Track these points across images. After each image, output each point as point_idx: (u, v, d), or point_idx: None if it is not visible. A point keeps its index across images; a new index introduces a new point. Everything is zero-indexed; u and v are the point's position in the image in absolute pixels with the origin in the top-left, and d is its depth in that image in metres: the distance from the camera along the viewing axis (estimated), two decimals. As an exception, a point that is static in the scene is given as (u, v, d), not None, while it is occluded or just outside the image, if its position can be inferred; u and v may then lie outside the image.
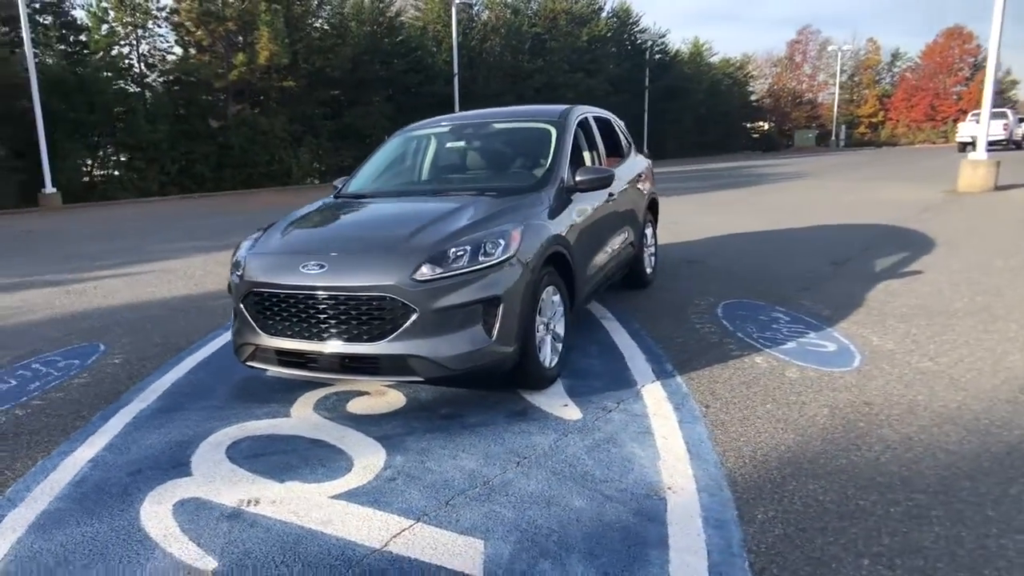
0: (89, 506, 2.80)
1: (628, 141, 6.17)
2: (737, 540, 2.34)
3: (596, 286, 4.75)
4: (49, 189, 22.04)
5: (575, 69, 44.51)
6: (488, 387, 3.80)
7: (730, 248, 8.31)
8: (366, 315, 3.26)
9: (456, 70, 36.18)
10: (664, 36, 53.88)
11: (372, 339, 3.27)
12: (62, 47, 26.01)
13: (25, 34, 21.33)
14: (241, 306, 3.61)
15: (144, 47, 28.84)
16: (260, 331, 3.53)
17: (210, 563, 2.36)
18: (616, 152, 5.90)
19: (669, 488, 2.71)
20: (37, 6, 27.12)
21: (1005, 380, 3.67)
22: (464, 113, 5.67)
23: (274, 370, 3.64)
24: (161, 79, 29.31)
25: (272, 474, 2.99)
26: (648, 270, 6.22)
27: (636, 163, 5.95)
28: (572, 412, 3.52)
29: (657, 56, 52.36)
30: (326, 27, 33.45)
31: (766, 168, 29.06)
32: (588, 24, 46.70)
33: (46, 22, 27.45)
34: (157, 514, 2.71)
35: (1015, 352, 4.11)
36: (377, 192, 4.63)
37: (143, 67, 28.80)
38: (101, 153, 26.41)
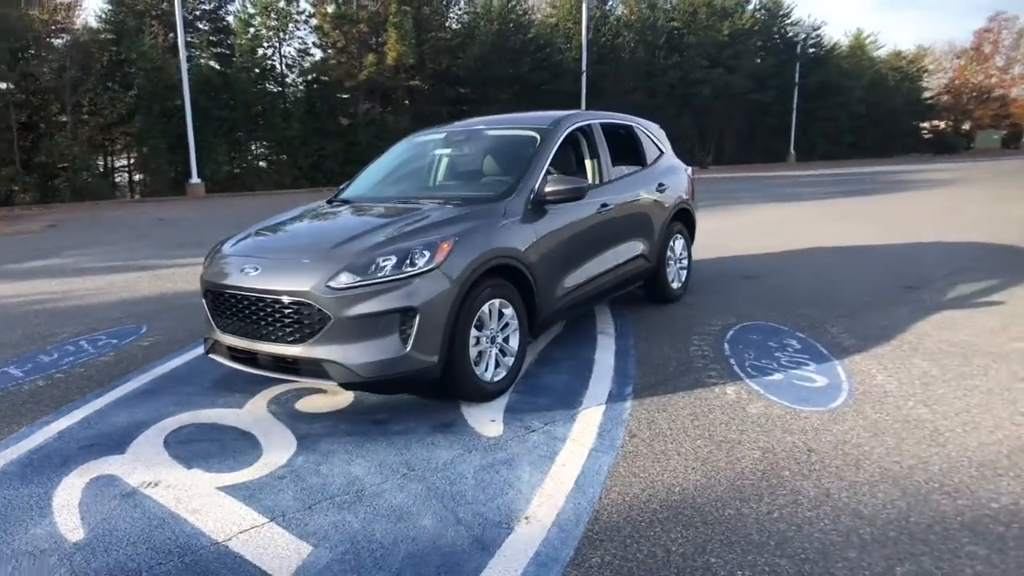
0: (27, 472, 3.21)
1: (660, 149, 5.97)
2: (551, 582, 2.28)
3: (579, 301, 4.67)
4: (195, 180, 24.69)
5: (714, 64, 42.97)
6: (440, 397, 3.86)
7: (804, 263, 7.74)
8: (288, 318, 3.46)
9: (584, 67, 36.19)
10: (819, 28, 50.53)
11: (294, 342, 3.47)
12: (215, 50, 28.95)
13: (180, 39, 24.01)
14: (203, 302, 3.95)
15: (286, 49, 31.42)
16: (215, 327, 3.85)
17: (78, 535, 2.65)
18: (633, 161, 5.74)
19: (525, 518, 2.67)
20: (197, 13, 30.47)
21: (998, 440, 3.21)
22: (469, 119, 5.77)
23: (228, 364, 3.94)
24: (300, 79, 31.81)
25: (186, 460, 3.27)
26: (675, 285, 5.99)
27: (656, 172, 5.75)
28: (494, 429, 3.53)
29: (810, 50, 49.17)
30: (455, 27, 34.69)
31: (917, 174, 26.51)
32: (731, 17, 44.85)
33: (203, 27, 30.78)
34: (71, 486, 3.06)
35: (1041, 408, 3.57)
36: (360, 198, 4.83)
37: (284, 68, 31.39)
38: (242, 147, 29.13)
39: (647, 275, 5.67)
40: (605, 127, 5.38)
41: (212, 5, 31.12)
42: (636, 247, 5.35)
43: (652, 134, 5.97)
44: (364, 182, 5.13)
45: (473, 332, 3.70)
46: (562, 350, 4.77)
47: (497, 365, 3.94)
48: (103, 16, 27.70)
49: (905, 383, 3.95)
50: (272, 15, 29.92)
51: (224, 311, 3.74)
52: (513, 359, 4.02)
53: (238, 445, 3.43)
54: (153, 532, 2.66)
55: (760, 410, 3.63)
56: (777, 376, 4.12)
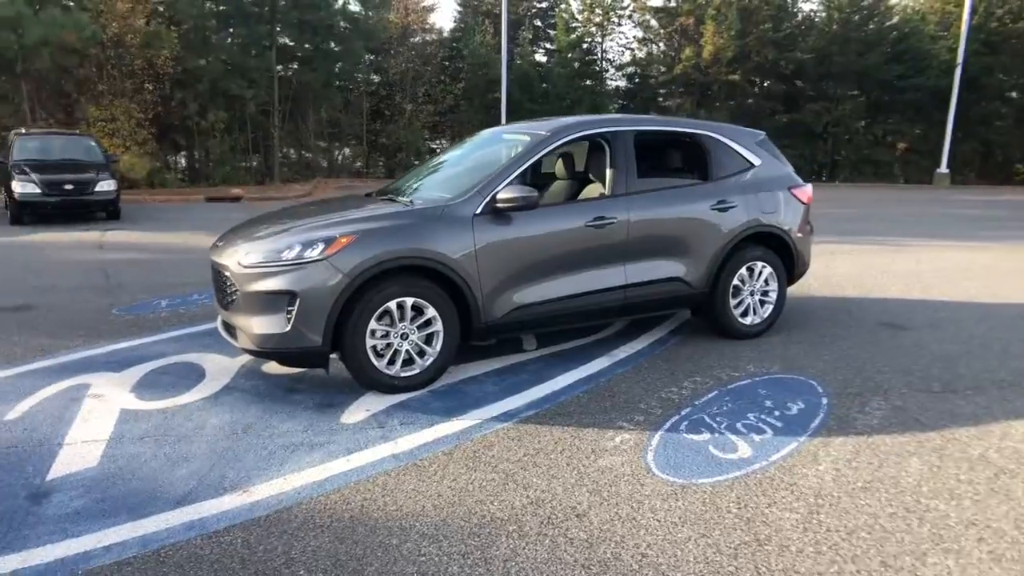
0: (57, 372, 4.52)
1: (748, 162, 5.29)
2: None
3: (555, 315, 4.56)
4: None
5: None
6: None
7: (994, 323, 5.93)
8: (228, 288, 4.19)
9: (961, 58, 30.77)
10: None
11: (227, 308, 4.22)
12: (540, 47, 31.71)
13: (503, 37, 26.91)
14: None
15: (608, 44, 32.90)
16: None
17: (17, 413, 3.77)
18: (691, 174, 5.21)
19: (244, 491, 3.00)
20: (533, 11, 33.65)
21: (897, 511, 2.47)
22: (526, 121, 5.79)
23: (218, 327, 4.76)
24: (618, 73, 33.07)
25: (138, 386, 4.26)
26: (748, 320, 5.29)
27: (722, 188, 5.09)
28: (354, 417, 3.83)
29: None
30: (795, 15, 32.37)
31: None
32: None
33: (538, 24, 33.87)
34: (58, 386, 4.25)
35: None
36: (383, 192, 5.33)
37: (604, 63, 32.93)
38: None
39: (692, 302, 5.16)
40: (647, 136, 5.02)
41: (546, 4, 34.04)
42: (668, 268, 4.92)
43: (737, 146, 5.32)
44: (406, 177, 5.57)
45: (374, 324, 4.01)
46: (543, 364, 4.72)
47: (412, 362, 4.17)
48: (455, 17, 32.42)
49: (854, 467, 3.12)
50: (597, 11, 31.55)
51: (214, 282, 4.61)
52: (433, 359, 4.20)
53: (183, 383, 4.31)
54: (54, 425, 3.64)
55: (624, 465, 3.27)
56: (722, 436, 3.58)
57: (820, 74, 31.89)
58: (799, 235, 5.46)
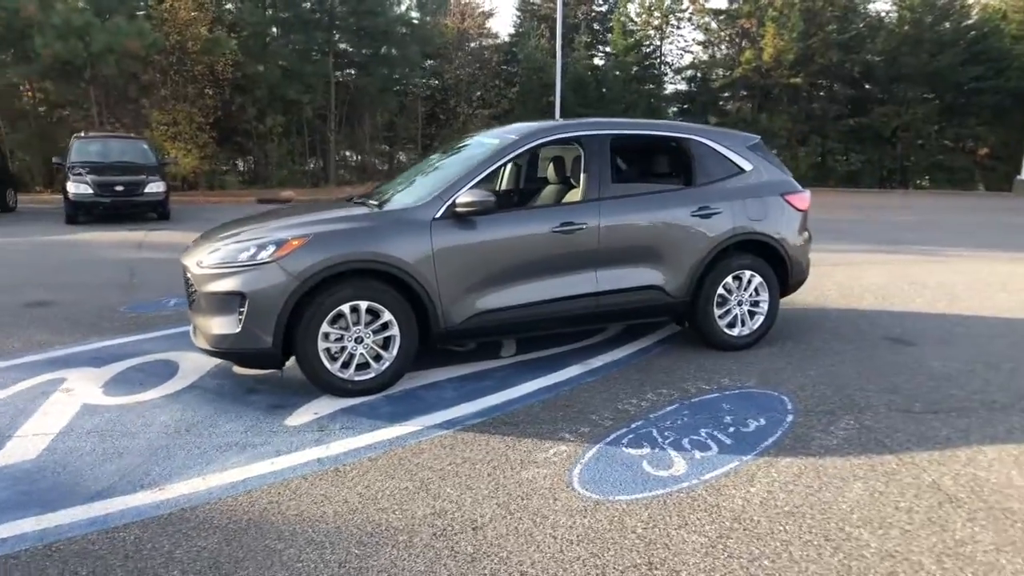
0: (18, 372, 4.72)
1: (738, 167, 5.08)
2: None
3: (520, 322, 4.49)
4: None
5: None
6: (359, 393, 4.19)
7: (1015, 339, 5.53)
8: (191, 288, 4.30)
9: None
10: None
11: (190, 307, 4.32)
12: (597, 51, 31.49)
13: (558, 41, 26.80)
14: None
15: (667, 47, 32.41)
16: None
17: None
18: (674, 179, 5.04)
19: (159, 488, 3.06)
20: (592, 15, 33.47)
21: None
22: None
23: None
24: (677, 76, 32.51)
25: (110, 383, 4.41)
26: (735, 331, 5.07)
27: (706, 193, 4.90)
28: (298, 420, 3.86)
29: None
30: (863, 16, 31.12)
31: None
32: None
33: (596, 28, 33.67)
34: (39, 379, 4.45)
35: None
36: (367, 195, 5.33)
37: (662, 66, 32.42)
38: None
39: (673, 311, 4.99)
40: (625, 140, 4.89)
41: (605, 7, 33.79)
42: (644, 276, 4.77)
43: (725, 150, 5.11)
44: (395, 181, 5.55)
45: (327, 327, 4.03)
46: (512, 371, 4.65)
47: (368, 366, 4.18)
48: (514, 23, 32.55)
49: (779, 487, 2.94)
50: (655, 13, 31.12)
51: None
52: (388, 363, 4.19)
53: (151, 380, 4.44)
54: (14, 417, 3.81)
55: (545, 479, 3.19)
56: (661, 452, 3.44)
57: (890, 76, 30.60)
58: (793, 243, 5.22)
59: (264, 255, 3.95)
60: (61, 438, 3.57)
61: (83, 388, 4.28)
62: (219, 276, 4.00)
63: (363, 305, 4.08)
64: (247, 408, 4.01)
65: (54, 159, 14.09)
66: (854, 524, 2.78)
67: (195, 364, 4.75)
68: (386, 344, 4.19)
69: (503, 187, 6.18)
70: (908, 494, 3.03)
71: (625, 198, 4.74)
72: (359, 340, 4.12)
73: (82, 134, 15.24)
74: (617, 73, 30.24)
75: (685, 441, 3.58)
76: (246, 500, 2.97)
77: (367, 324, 4.12)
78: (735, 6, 30.90)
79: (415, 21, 26.85)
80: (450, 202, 4.26)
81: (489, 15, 31.79)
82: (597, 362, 4.87)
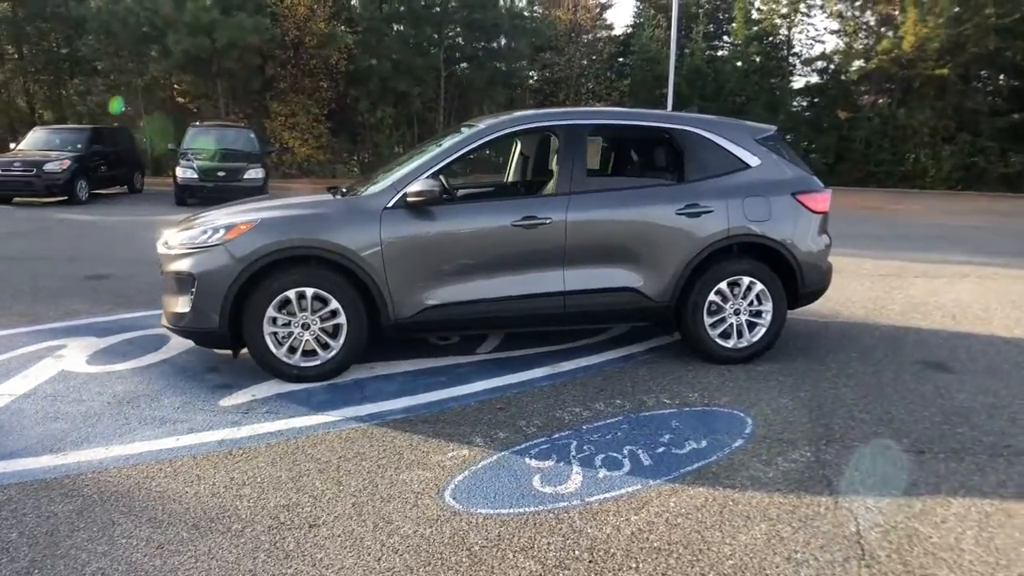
0: (29, 337, 5.14)
1: (742, 162, 4.64)
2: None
3: (475, 318, 4.36)
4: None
5: None
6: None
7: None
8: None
9: None
10: None
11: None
12: (717, 42, 30.13)
13: (673, 31, 25.90)
14: None
15: (796, 36, 30.44)
16: None
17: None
18: (662, 173, 4.67)
19: (62, 452, 3.23)
20: (716, 2, 32.08)
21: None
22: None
23: None
24: (806, 68, 30.46)
25: (101, 353, 4.73)
26: (729, 342, 4.65)
27: (696, 190, 4.49)
28: (232, 401, 3.95)
29: None
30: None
31: None
32: None
33: (721, 17, 32.23)
34: (46, 347, 4.85)
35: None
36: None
37: (790, 57, 30.50)
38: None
39: (652, 316, 4.66)
40: (608, 130, 4.60)
41: (731, -4, 32.22)
42: (619, 277, 4.47)
43: (728, 143, 4.67)
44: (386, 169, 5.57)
45: (273, 312, 4.09)
46: (473, 369, 4.53)
47: (315, 353, 4.21)
48: (634, 14, 31.83)
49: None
50: (783, 0, 29.28)
51: None
52: (335, 352, 4.20)
53: (135, 352, 4.72)
54: (3, 373, 4.18)
55: (419, 483, 3.07)
56: (591, 471, 3.23)
57: (1060, 66, 27.03)
58: (805, 249, 4.70)
59: (214, 238, 4.06)
60: (21, 399, 3.86)
61: (72, 356, 4.61)
62: (177, 257, 4.16)
63: (309, 292, 4.10)
64: (196, 385, 4.16)
65: (169, 144, 15.33)
66: (722, 572, 2.45)
67: (181, 340, 4.97)
68: (335, 333, 4.20)
69: (510, 178, 6.02)
70: (813, 544, 2.63)
71: (600, 192, 4.47)
72: (305, 327, 4.15)
73: (197, 123, 16.50)
74: (738, 64, 28.72)
75: (600, 458, 3.32)
76: (126, 473, 3.07)
77: (315, 311, 4.14)
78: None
79: (525, 13, 26.86)
80: (402, 192, 4.19)
81: (606, 6, 31.09)
82: (568, 365, 4.64)
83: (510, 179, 6.01)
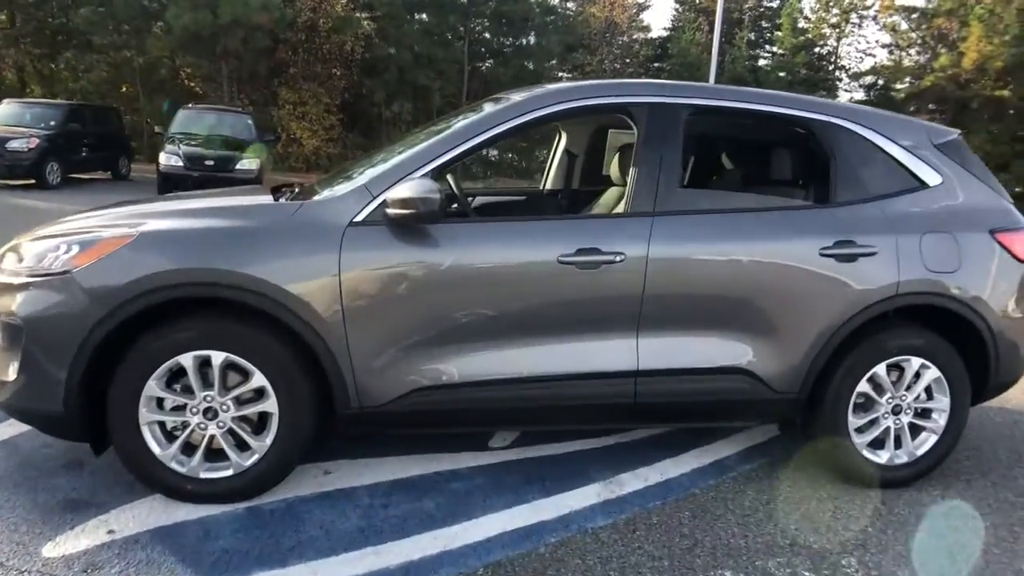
0: None
1: (917, 179, 2.99)
2: None
3: (482, 411, 2.73)
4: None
5: None
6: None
7: None
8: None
9: None
10: None
11: None
12: (764, 51, 28.45)
13: (716, 37, 24.19)
14: None
15: (845, 48, 28.72)
16: None
17: None
18: (796, 189, 3.03)
19: None
20: (761, 9, 30.39)
21: None
22: None
23: None
24: (855, 83, 28.71)
25: None
26: (886, 456, 2.97)
27: (851, 217, 2.85)
28: (68, 546, 2.31)
29: None
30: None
31: None
32: None
33: (765, 25, 30.56)
34: None
35: None
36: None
37: (838, 71, 28.75)
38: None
39: (771, 413, 3.02)
40: (713, 116, 2.94)
41: (777, 2, 30.54)
42: (723, 350, 2.81)
43: (896, 148, 2.99)
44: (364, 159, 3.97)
45: (156, 388, 2.45)
46: (489, 480, 2.89)
47: (223, 458, 2.57)
48: (673, 16, 30.18)
49: None
50: (834, 9, 27.50)
51: None
52: (257, 457, 2.56)
53: None
54: None
55: None
56: None
57: None
58: (1007, 316, 3.02)
59: (58, 262, 2.42)
60: None
61: None
62: (7, 290, 2.51)
63: (217, 358, 2.45)
64: (26, 498, 2.54)
65: (156, 127, 13.81)
66: None
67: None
68: (260, 425, 2.56)
69: (547, 186, 4.37)
70: None
71: (700, 214, 2.80)
72: (210, 414, 2.51)
73: (190, 105, 14.97)
74: (781, 74, 26.94)
75: None
76: None
77: (228, 389, 2.51)
78: (932, 4, 26.62)
79: (558, 9, 25.20)
80: (380, 198, 2.54)
81: (644, 7, 29.39)
82: (632, 481, 2.98)
83: (548, 186, 4.35)
